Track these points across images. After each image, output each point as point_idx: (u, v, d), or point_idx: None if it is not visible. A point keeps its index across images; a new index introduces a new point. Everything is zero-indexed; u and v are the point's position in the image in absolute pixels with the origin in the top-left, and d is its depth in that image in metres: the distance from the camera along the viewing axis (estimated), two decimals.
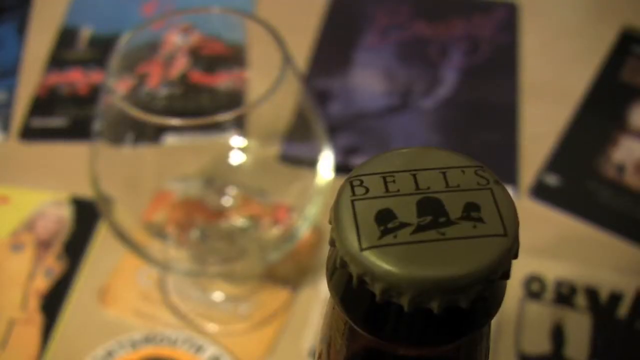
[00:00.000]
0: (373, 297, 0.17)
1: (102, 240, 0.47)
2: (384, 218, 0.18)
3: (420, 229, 0.17)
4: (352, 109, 0.54)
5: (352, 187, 0.18)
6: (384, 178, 0.18)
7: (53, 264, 0.46)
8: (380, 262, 0.17)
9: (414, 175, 0.18)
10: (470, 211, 0.18)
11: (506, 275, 0.17)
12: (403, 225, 0.17)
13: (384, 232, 0.17)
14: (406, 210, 0.18)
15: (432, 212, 0.18)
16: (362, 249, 0.17)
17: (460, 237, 0.17)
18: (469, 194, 0.18)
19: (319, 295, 0.44)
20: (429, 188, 0.18)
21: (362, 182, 0.18)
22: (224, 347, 0.42)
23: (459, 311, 0.17)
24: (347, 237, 0.17)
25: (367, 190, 0.18)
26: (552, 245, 0.46)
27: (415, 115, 0.53)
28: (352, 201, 0.18)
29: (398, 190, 0.18)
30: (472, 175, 0.18)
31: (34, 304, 0.44)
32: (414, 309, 0.17)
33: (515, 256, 0.17)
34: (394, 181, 0.18)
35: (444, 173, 0.18)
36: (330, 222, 0.18)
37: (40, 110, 0.54)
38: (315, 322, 0.43)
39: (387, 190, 0.18)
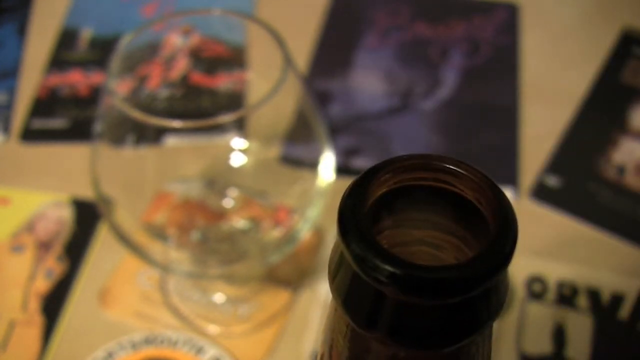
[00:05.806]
0: (375, 298, 0.17)
1: (102, 242, 0.47)
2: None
3: None
4: (353, 111, 0.54)
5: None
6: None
7: (53, 265, 0.46)
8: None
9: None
10: None
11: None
12: None
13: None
14: None
15: None
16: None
17: None
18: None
19: (319, 297, 0.44)
20: None
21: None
22: (225, 349, 0.42)
23: (462, 313, 0.17)
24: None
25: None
26: (553, 247, 0.46)
27: (416, 117, 0.53)
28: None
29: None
30: None
31: (34, 305, 0.44)
32: (415, 309, 0.17)
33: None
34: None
35: None
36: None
37: (40, 111, 0.54)
38: (316, 324, 0.43)
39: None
